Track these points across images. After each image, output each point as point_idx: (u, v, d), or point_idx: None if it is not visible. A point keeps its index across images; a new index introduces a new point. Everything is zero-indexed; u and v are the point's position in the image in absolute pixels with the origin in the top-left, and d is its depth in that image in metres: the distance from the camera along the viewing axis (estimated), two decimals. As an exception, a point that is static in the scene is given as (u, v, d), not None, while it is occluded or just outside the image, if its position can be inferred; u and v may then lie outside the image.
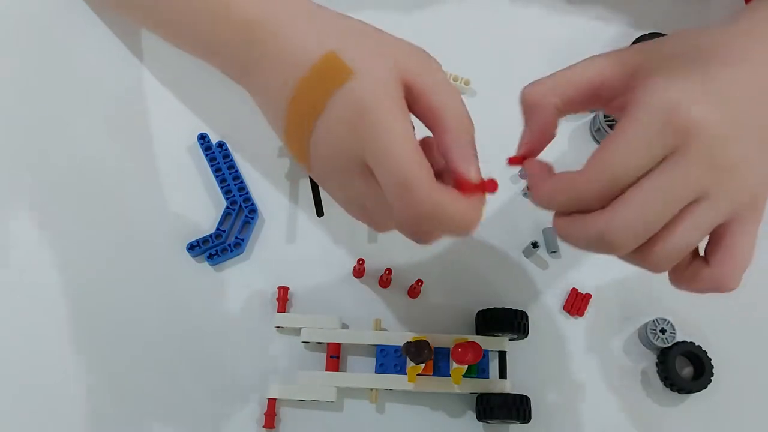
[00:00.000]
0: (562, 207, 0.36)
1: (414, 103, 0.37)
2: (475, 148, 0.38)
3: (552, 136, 0.40)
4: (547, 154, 0.57)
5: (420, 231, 0.37)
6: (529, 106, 0.39)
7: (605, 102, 0.38)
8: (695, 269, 0.37)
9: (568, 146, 0.59)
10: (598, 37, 0.62)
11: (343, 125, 0.36)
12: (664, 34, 0.59)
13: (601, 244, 0.35)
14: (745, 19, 0.40)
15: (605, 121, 0.57)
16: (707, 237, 0.37)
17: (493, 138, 0.57)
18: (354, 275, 0.53)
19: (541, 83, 0.39)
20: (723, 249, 0.36)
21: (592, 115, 0.59)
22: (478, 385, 0.49)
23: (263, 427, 0.48)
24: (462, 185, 0.36)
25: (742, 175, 0.34)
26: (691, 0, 0.64)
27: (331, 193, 0.42)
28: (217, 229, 0.52)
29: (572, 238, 0.36)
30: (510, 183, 0.57)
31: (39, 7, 0.58)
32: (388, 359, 0.49)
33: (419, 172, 0.34)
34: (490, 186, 0.38)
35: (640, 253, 0.35)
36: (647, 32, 0.60)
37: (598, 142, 0.58)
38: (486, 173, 0.56)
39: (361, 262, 0.51)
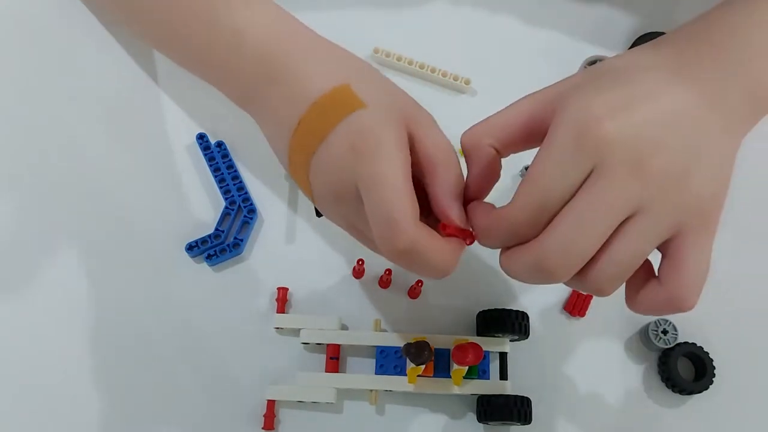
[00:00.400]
0: (504, 242, 0.37)
1: (410, 148, 0.38)
2: (461, 198, 0.39)
3: (496, 177, 0.40)
4: None
5: (399, 263, 0.38)
6: (467, 150, 0.40)
7: (542, 138, 0.38)
8: (649, 290, 0.36)
9: None
10: (599, 37, 0.62)
11: (343, 148, 0.37)
12: (664, 34, 0.59)
13: (540, 273, 0.34)
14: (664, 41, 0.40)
15: None
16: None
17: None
18: (354, 276, 0.53)
19: (477, 128, 0.40)
20: (673, 265, 0.35)
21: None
22: (478, 387, 0.48)
23: (262, 428, 0.48)
24: (444, 227, 0.38)
25: (679, 185, 0.34)
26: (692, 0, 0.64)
27: (333, 219, 0.43)
28: (216, 229, 0.52)
29: (513, 272, 0.36)
30: (510, 183, 0.56)
31: (39, 7, 0.58)
32: (388, 360, 0.49)
33: (404, 207, 0.35)
34: (469, 235, 0.39)
35: (582, 277, 0.35)
36: (647, 32, 0.60)
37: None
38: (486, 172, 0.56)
39: (360, 262, 0.50)
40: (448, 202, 0.38)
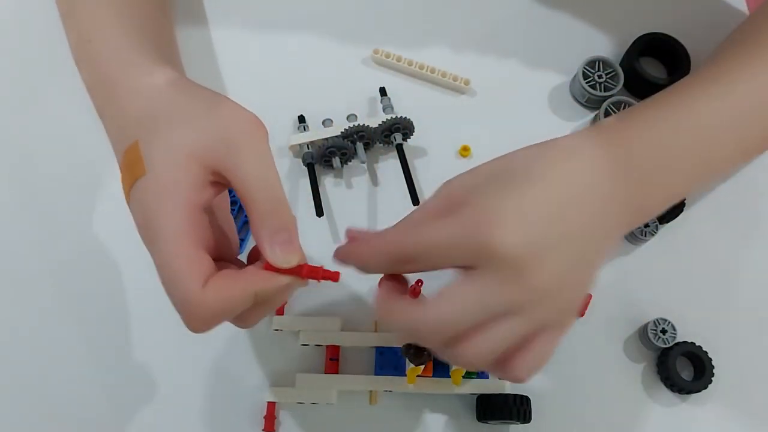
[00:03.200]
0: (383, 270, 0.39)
1: (228, 183, 0.36)
2: (285, 230, 0.36)
3: None
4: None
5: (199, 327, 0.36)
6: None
7: None
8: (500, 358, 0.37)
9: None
10: (599, 37, 0.62)
11: (137, 214, 0.36)
12: (663, 34, 0.59)
13: (412, 336, 0.37)
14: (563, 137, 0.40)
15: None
16: None
17: (493, 138, 0.58)
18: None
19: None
20: (524, 350, 0.36)
21: (592, 115, 0.59)
22: (477, 386, 0.48)
23: (263, 430, 0.48)
24: (268, 266, 0.36)
25: (556, 295, 0.35)
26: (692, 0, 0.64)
27: None
28: (216, 230, 0.52)
29: (388, 325, 0.38)
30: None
31: (39, 7, 0.58)
32: (388, 361, 0.49)
33: (185, 289, 0.34)
34: (304, 272, 0.36)
35: (452, 350, 0.35)
36: (647, 32, 0.60)
37: (598, 141, 0.58)
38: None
39: None
40: (263, 241, 0.35)
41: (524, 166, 0.36)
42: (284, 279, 0.36)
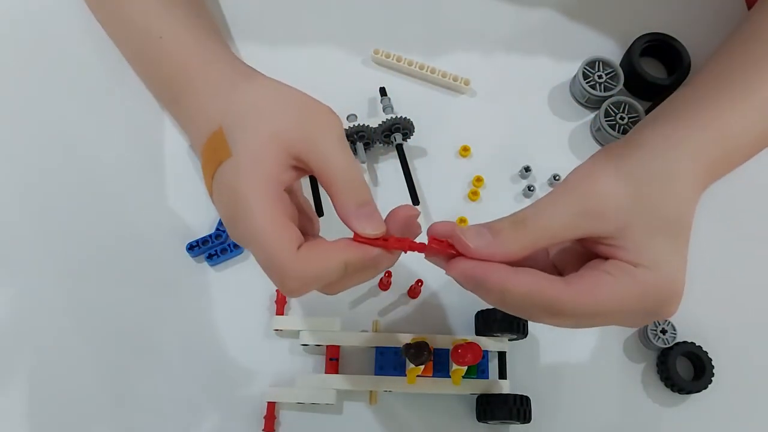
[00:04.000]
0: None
1: (306, 167, 0.38)
2: (368, 204, 0.37)
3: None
4: (550, 156, 0.58)
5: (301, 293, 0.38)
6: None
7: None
8: None
9: (569, 146, 0.58)
10: (599, 37, 0.62)
11: (223, 196, 0.38)
12: (663, 34, 0.59)
13: (549, 312, 0.37)
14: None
15: (606, 120, 0.57)
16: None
17: (493, 137, 0.58)
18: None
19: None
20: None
21: (592, 115, 0.59)
22: (478, 386, 0.48)
23: (263, 430, 0.48)
24: (357, 238, 0.37)
25: None
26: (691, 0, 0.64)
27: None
28: (217, 229, 0.52)
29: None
30: (510, 183, 0.56)
31: (39, 6, 0.58)
32: (388, 361, 0.49)
33: (280, 254, 0.35)
34: (394, 244, 0.37)
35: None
36: (647, 32, 0.60)
37: (598, 141, 0.58)
38: (486, 172, 0.56)
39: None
40: (350, 216, 0.37)
41: (675, 209, 0.38)
42: (373, 250, 0.37)
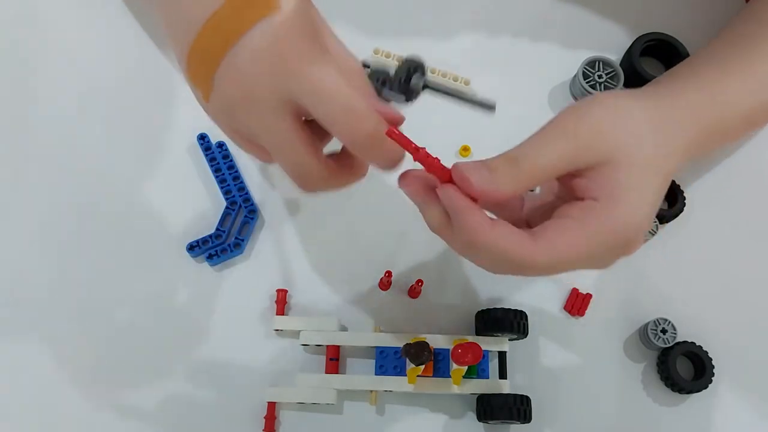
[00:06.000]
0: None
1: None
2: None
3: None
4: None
5: (367, 153, 0.38)
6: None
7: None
8: None
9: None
10: (599, 37, 0.62)
11: (261, 61, 0.35)
12: (664, 34, 0.59)
13: (514, 268, 0.38)
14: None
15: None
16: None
17: (492, 137, 0.58)
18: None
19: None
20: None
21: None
22: (478, 386, 0.48)
23: (263, 430, 0.48)
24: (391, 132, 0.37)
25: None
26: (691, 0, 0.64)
27: (226, 129, 0.41)
28: (217, 229, 0.52)
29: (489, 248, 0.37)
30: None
31: (39, 6, 0.58)
32: (388, 361, 0.49)
33: (359, 97, 0.36)
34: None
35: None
36: (647, 32, 0.59)
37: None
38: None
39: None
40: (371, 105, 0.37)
41: (660, 151, 0.39)
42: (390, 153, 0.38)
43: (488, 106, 0.44)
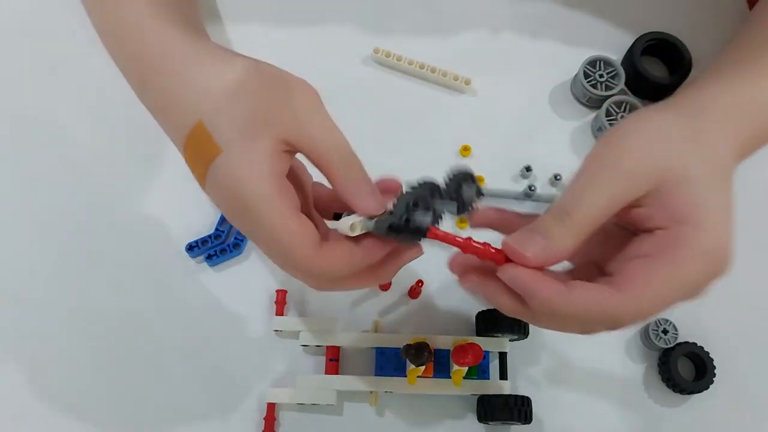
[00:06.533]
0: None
1: (299, 151, 0.37)
2: (366, 180, 0.38)
3: None
4: (551, 155, 0.57)
5: (321, 286, 0.38)
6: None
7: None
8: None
9: (570, 145, 0.58)
10: (599, 37, 0.62)
11: (223, 193, 0.37)
12: (665, 33, 0.59)
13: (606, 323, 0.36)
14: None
15: (607, 120, 0.56)
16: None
17: (493, 137, 0.58)
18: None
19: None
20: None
21: (594, 115, 0.59)
22: (478, 387, 0.48)
23: (263, 431, 0.48)
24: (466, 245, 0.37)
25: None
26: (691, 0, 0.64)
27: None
28: (216, 229, 0.52)
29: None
30: (511, 183, 0.56)
31: (39, 6, 0.58)
32: (388, 362, 0.49)
33: (302, 255, 0.36)
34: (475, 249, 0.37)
35: None
36: (647, 32, 0.59)
37: (599, 141, 0.58)
38: (487, 172, 0.56)
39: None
40: (355, 193, 0.37)
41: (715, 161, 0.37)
42: (409, 255, 0.39)
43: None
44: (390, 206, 0.37)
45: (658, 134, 0.37)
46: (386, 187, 0.39)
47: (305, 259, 0.35)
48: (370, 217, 0.37)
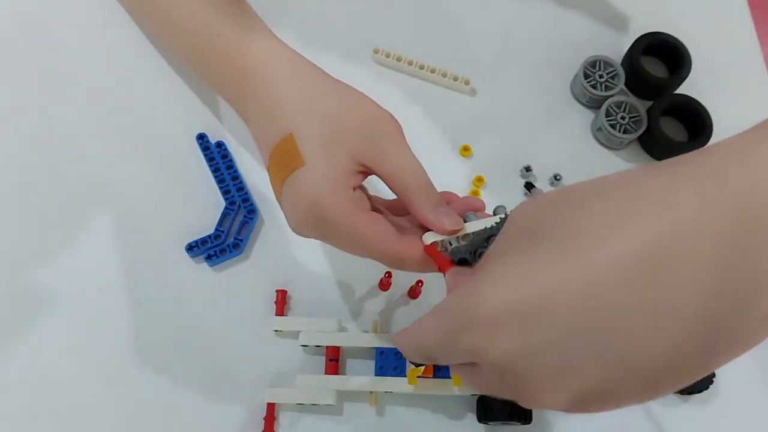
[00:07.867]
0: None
1: (370, 171, 0.41)
2: (441, 203, 0.41)
3: None
4: (551, 155, 0.57)
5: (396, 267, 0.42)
6: None
7: None
8: None
9: (570, 145, 0.58)
10: (599, 37, 0.62)
11: (299, 202, 0.41)
12: (664, 33, 0.59)
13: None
14: None
15: (607, 120, 0.56)
16: None
17: (493, 137, 0.58)
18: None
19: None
20: None
21: (593, 115, 0.59)
22: (478, 387, 0.48)
23: (263, 431, 0.48)
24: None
25: None
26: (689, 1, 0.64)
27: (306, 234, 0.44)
28: (216, 229, 0.52)
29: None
30: (511, 183, 0.56)
31: (39, 6, 0.58)
32: (388, 362, 0.48)
33: (380, 249, 0.40)
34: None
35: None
36: (648, 32, 0.59)
37: (599, 141, 0.58)
38: (487, 172, 0.56)
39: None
40: (430, 218, 0.40)
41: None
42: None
43: None
44: (464, 231, 0.40)
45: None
46: (472, 207, 0.43)
47: (392, 252, 0.40)
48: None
